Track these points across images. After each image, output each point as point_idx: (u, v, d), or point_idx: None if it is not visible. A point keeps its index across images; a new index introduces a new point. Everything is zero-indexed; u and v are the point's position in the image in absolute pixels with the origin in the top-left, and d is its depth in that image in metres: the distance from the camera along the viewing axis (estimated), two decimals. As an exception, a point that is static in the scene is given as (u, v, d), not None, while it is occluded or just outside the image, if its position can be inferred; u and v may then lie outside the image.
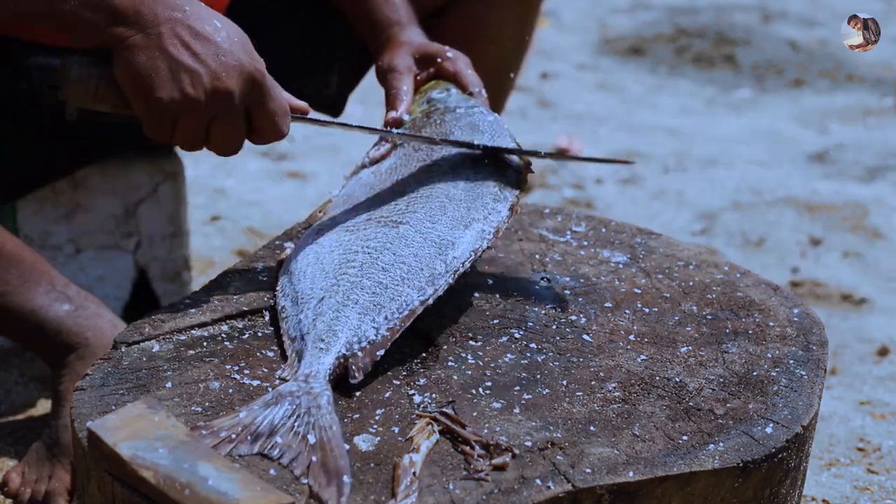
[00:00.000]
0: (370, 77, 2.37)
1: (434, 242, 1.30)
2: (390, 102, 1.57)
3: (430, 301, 1.24)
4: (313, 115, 1.41)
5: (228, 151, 1.31)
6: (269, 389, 1.16)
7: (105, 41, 1.27)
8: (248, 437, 1.07)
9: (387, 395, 1.17)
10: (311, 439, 1.06)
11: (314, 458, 1.04)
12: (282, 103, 1.31)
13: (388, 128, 1.52)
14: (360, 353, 1.18)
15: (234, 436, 1.07)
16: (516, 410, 1.15)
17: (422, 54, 1.61)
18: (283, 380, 1.16)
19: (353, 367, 1.17)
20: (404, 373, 1.21)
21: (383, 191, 1.41)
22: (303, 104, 1.36)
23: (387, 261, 1.27)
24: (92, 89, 1.32)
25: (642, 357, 1.26)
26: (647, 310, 1.36)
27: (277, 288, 1.31)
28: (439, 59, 1.60)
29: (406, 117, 1.54)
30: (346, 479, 1.02)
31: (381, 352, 1.19)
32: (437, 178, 1.41)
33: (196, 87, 1.25)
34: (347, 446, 1.07)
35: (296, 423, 1.08)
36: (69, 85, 1.32)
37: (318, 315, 1.22)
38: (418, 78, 1.60)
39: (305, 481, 1.02)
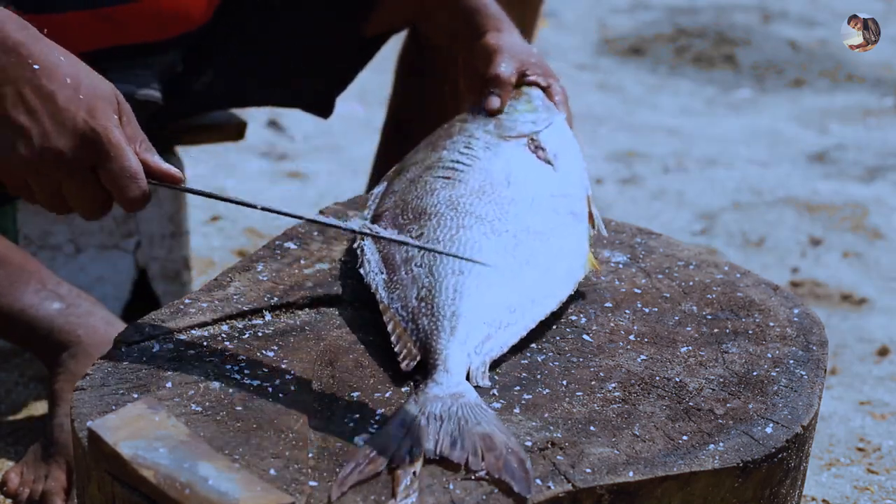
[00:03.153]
0: (371, 78, 2.37)
1: (536, 281, 1.31)
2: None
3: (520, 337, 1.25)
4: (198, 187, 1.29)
5: (90, 214, 1.23)
6: (270, 389, 1.16)
7: None
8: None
9: (387, 394, 1.17)
10: (482, 430, 1.07)
11: (493, 452, 1.06)
12: (127, 165, 1.19)
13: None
14: (487, 363, 1.20)
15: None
16: (516, 410, 1.15)
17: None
18: (418, 383, 1.16)
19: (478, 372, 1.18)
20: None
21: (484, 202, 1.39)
22: (173, 171, 1.25)
23: (513, 296, 1.27)
24: None
25: (642, 357, 1.26)
26: (647, 310, 1.36)
27: (366, 247, 1.33)
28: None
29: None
30: (528, 463, 1.05)
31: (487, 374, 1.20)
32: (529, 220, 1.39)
33: (26, 148, 1.19)
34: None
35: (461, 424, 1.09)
36: None
37: (456, 314, 1.22)
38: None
39: (483, 474, 1.04)
